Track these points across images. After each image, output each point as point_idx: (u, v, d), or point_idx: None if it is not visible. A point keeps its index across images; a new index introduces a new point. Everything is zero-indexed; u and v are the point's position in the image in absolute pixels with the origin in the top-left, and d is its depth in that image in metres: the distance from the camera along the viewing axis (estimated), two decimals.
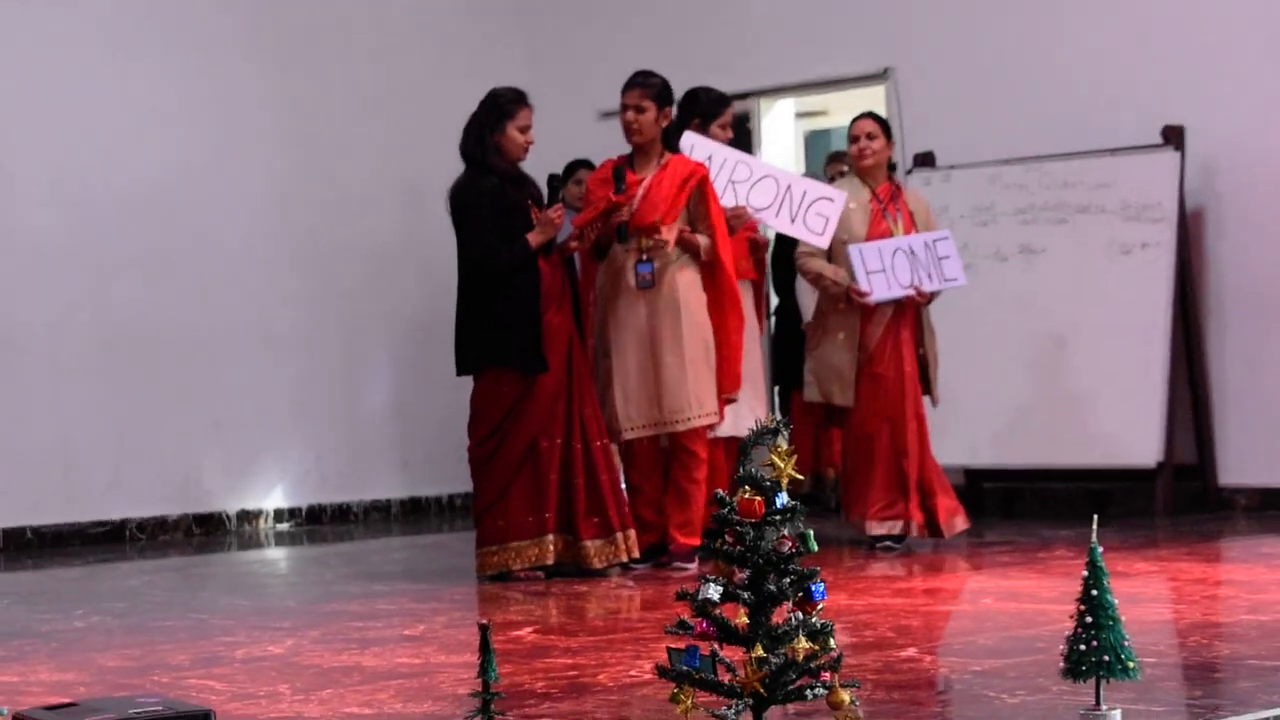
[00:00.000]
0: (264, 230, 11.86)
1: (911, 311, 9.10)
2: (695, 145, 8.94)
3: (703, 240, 8.50)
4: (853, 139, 9.22)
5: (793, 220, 9.03)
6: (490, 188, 8.21)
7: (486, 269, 8.19)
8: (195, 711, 4.41)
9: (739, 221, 8.91)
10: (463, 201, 8.26)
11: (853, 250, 8.99)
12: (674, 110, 8.70)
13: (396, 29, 12.58)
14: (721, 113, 9.14)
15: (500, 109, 8.29)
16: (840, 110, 14.56)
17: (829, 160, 11.80)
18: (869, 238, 9.05)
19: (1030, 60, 11.12)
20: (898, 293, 8.97)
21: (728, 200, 8.89)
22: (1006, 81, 11.00)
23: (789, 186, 9.07)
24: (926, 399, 9.22)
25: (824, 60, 11.94)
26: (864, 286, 8.96)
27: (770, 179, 9.08)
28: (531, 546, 8.24)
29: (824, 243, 9.11)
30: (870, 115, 9.31)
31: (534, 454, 8.23)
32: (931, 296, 9.09)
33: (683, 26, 12.40)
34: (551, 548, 8.25)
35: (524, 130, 8.30)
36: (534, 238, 8.19)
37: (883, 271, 8.96)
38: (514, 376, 8.20)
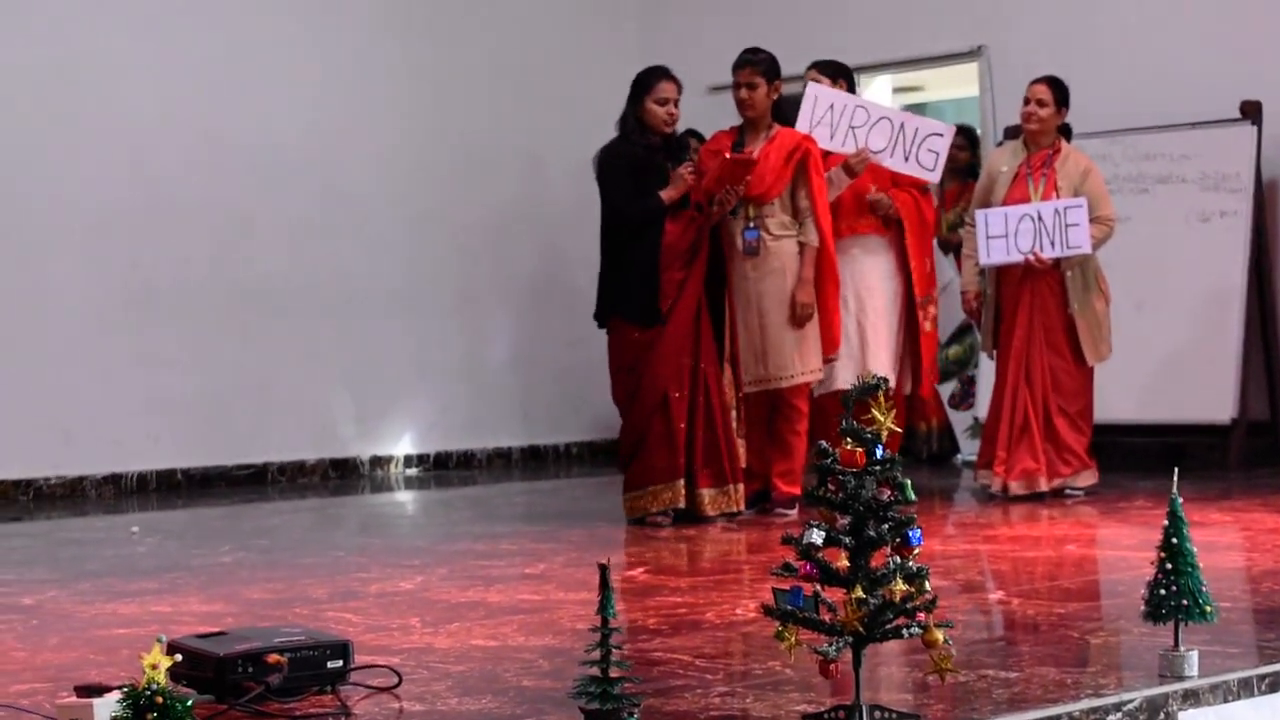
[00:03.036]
0: (394, 194, 11.90)
1: (1045, 274, 8.79)
2: (819, 95, 8.85)
3: (810, 240, 8.44)
4: (1024, 101, 8.99)
5: (906, 159, 8.82)
6: (627, 150, 8.25)
7: (619, 220, 8.23)
8: (335, 642, 4.43)
9: (862, 165, 8.76)
10: (602, 162, 8.32)
11: (979, 215, 8.86)
12: (782, 83, 8.62)
13: (518, 5, 12.56)
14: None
15: (640, 84, 8.32)
16: (935, 85, 14.46)
17: None
18: (1005, 202, 8.86)
19: (1114, 39, 11.02)
20: (1015, 257, 8.75)
21: (849, 146, 8.79)
22: (1091, 59, 10.88)
23: (901, 125, 8.86)
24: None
25: (920, 39, 11.86)
26: (981, 251, 8.86)
27: (885, 120, 8.86)
28: (666, 490, 8.23)
29: (934, 178, 8.95)
30: (1046, 80, 8.99)
31: (666, 404, 8.22)
32: (1056, 262, 8.74)
33: (786, 6, 12.33)
34: (683, 492, 8.24)
35: (662, 103, 8.26)
36: (667, 193, 8.19)
37: (1004, 237, 8.74)
38: (635, 328, 8.20)
